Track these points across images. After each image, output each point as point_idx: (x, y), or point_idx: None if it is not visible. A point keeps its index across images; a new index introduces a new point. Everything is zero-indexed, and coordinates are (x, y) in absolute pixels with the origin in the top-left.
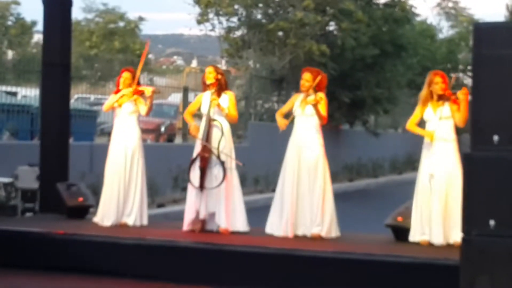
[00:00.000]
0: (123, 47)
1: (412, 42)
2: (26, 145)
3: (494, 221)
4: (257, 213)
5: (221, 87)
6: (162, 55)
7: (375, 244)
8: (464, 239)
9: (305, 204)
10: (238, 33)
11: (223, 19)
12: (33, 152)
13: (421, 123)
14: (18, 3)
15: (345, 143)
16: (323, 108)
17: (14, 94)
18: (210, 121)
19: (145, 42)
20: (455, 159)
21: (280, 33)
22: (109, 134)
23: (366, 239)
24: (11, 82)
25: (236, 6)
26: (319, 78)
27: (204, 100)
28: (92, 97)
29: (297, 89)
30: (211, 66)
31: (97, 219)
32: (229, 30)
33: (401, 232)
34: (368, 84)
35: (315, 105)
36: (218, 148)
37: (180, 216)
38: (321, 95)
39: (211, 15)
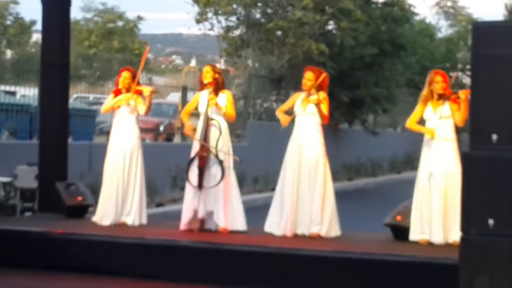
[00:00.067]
0: (122, 47)
1: (411, 41)
2: (25, 145)
3: (493, 221)
4: (256, 212)
5: (218, 86)
6: (161, 55)
7: (374, 243)
8: (463, 238)
9: (305, 204)
10: (237, 32)
11: (222, 18)
12: (32, 152)
13: (421, 122)
14: (17, 3)
15: (344, 142)
16: (325, 108)
17: (13, 93)
18: (208, 120)
19: (144, 42)
20: (455, 159)
21: (279, 32)
22: (108, 133)
23: (365, 238)
24: (10, 81)
25: (235, 5)
26: (322, 76)
27: (201, 99)
28: (91, 97)
29: (296, 88)
30: (208, 65)
31: (96, 218)
32: (228, 29)
33: (400, 231)
34: (367, 83)
35: (317, 105)
36: (216, 147)
37: (179, 215)
38: (324, 94)
39: (210, 15)
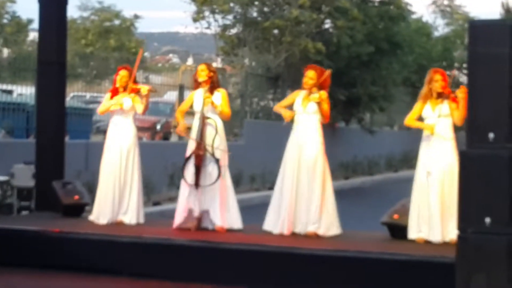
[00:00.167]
0: (119, 45)
1: (408, 39)
2: (21, 143)
3: (490, 219)
4: (253, 211)
5: (213, 84)
6: (158, 53)
7: (371, 242)
8: (460, 237)
9: (304, 202)
10: (234, 31)
11: (218, 17)
12: (29, 150)
13: (419, 121)
14: (13, 1)
15: (340, 141)
16: (326, 107)
17: (9, 92)
18: (204, 119)
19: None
20: (453, 157)
21: (276, 31)
22: (104, 132)
23: (362, 237)
24: (6, 80)
25: (231, 4)
26: (326, 73)
27: (196, 98)
28: (88, 95)
29: (292, 87)
30: (203, 64)
31: (92, 217)
32: (225, 28)
33: (397, 230)
34: (363, 82)
35: (319, 103)
36: (212, 146)
37: None
38: (325, 93)
39: (206, 13)
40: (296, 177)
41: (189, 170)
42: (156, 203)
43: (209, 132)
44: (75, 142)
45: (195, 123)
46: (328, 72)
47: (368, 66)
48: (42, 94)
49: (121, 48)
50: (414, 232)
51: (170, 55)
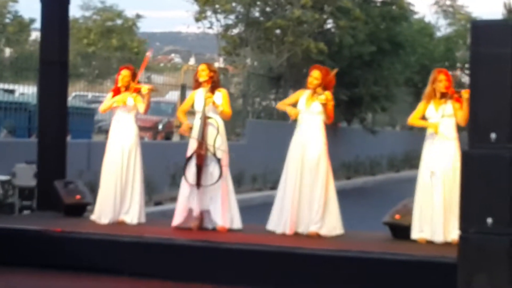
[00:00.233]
0: (121, 45)
1: (410, 40)
2: (23, 143)
3: (491, 219)
4: (255, 210)
5: (214, 84)
6: (160, 53)
7: (372, 242)
8: (461, 237)
9: (307, 202)
10: (236, 30)
11: (221, 16)
12: (31, 150)
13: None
14: (15, 1)
15: (342, 141)
16: (331, 107)
17: (11, 91)
18: (205, 119)
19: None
20: (456, 157)
21: (278, 31)
22: (106, 131)
23: (364, 237)
24: (8, 80)
25: (234, 4)
26: (333, 73)
27: (197, 97)
28: (90, 95)
29: (295, 87)
30: (203, 64)
31: (94, 216)
32: (227, 27)
33: (399, 230)
34: (365, 81)
35: (325, 104)
36: (214, 146)
37: None
38: (330, 94)
39: (209, 13)
40: (299, 177)
41: (191, 170)
42: (157, 203)
43: (211, 132)
44: (77, 141)
45: (196, 123)
46: (334, 72)
47: (370, 66)
48: (44, 93)
49: (123, 47)
50: (416, 232)
51: (172, 55)
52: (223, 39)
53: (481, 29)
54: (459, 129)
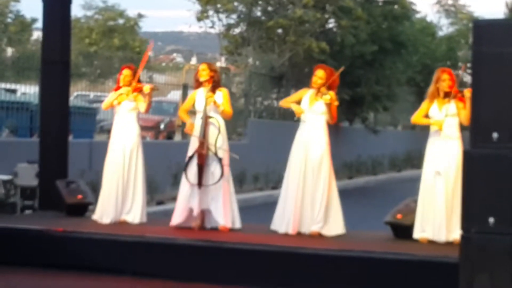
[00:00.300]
0: (123, 45)
1: (412, 39)
2: (25, 143)
3: (493, 219)
4: (256, 210)
5: (215, 84)
6: (162, 53)
7: (374, 241)
8: (463, 237)
9: (309, 202)
10: (238, 30)
11: (222, 16)
12: (33, 150)
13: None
14: (17, 0)
15: (344, 141)
16: (335, 107)
17: (13, 91)
18: (206, 118)
19: (144, 40)
20: (460, 157)
21: (280, 31)
22: (108, 131)
23: (366, 236)
24: (10, 79)
25: (235, 3)
26: (338, 72)
27: (198, 97)
28: (92, 95)
29: (296, 86)
30: (204, 63)
31: (96, 216)
32: (229, 27)
33: (400, 230)
34: (367, 81)
35: (329, 104)
36: (215, 145)
37: None
38: (334, 94)
39: (210, 12)
40: (302, 177)
41: (192, 170)
42: (159, 203)
43: (212, 132)
44: (78, 141)
45: (197, 123)
46: (338, 72)
47: (372, 66)
48: (45, 93)
49: (125, 47)
50: (417, 232)
51: (174, 54)
52: (225, 38)
53: (483, 29)
54: (461, 128)
